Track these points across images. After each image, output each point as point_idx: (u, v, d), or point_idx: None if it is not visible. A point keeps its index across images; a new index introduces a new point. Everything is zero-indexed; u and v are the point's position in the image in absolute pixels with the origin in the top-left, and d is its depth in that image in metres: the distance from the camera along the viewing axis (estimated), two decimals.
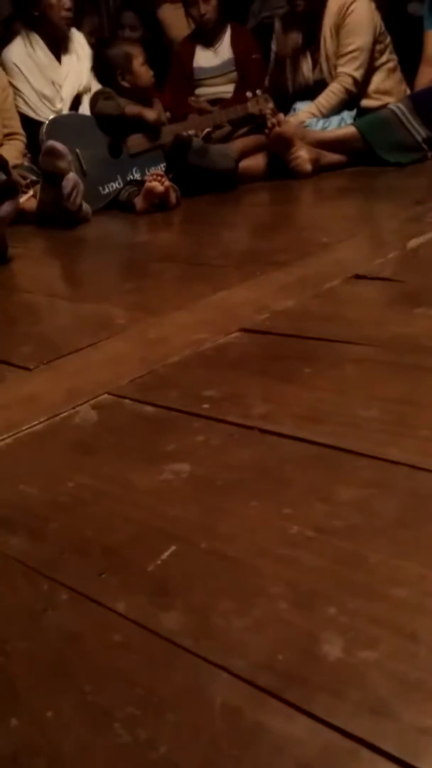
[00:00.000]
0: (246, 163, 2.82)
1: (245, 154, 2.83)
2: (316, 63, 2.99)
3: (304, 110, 2.95)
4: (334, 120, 2.90)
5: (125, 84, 2.72)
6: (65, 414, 0.90)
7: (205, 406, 0.87)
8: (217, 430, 0.80)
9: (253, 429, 0.79)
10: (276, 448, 0.75)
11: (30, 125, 2.80)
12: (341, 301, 1.21)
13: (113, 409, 0.90)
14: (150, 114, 2.65)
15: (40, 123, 2.69)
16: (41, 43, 2.88)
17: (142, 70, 2.73)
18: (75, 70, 2.92)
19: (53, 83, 2.90)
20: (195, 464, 0.74)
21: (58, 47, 2.91)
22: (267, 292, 1.31)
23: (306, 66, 3.01)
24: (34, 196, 2.45)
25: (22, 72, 2.88)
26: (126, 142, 2.69)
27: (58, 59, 2.91)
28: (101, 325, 1.25)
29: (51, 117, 2.70)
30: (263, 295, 1.28)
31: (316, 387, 0.88)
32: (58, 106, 2.89)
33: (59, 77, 2.91)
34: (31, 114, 2.88)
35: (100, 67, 2.80)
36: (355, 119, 2.87)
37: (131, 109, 2.64)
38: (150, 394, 0.93)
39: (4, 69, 2.88)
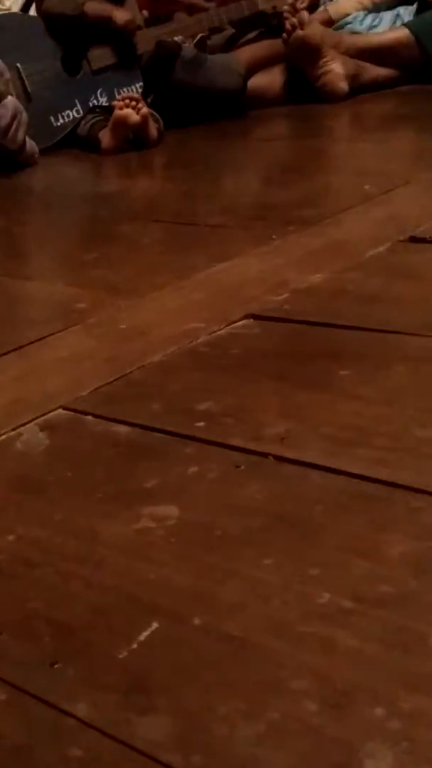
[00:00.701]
0: (256, 81, 2.83)
1: (255, 67, 2.84)
2: None
3: (339, 2, 2.96)
4: (387, 17, 2.91)
5: None
6: (2, 437, 0.90)
7: (200, 424, 0.87)
8: (217, 459, 0.80)
9: (266, 456, 0.79)
10: (299, 483, 0.75)
11: None
12: (391, 275, 1.21)
13: (71, 429, 0.90)
14: (120, 14, 2.66)
15: None
16: None
17: None
18: None
19: None
20: (185, 507, 0.74)
21: None
22: (286, 262, 1.31)
23: None
24: None
25: None
26: (87, 54, 2.70)
27: None
28: (53, 312, 1.25)
29: None
30: (280, 268, 1.29)
31: (356, 396, 0.88)
32: (7, 3, 2.90)
33: None
34: None
35: None
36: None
37: (93, 7, 2.65)
38: (122, 407, 0.93)
39: None
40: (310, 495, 0.73)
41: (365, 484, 0.73)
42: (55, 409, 0.94)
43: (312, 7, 2.94)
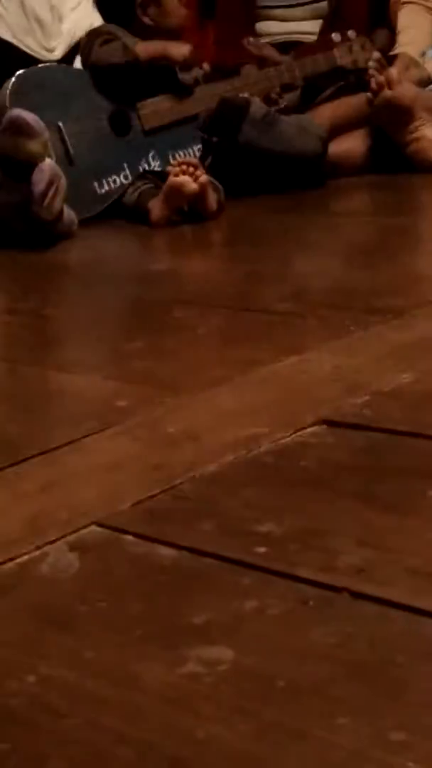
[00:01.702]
0: (336, 145, 2.88)
1: (335, 130, 2.89)
2: None
3: None
4: None
5: (146, 21, 2.82)
6: (25, 558, 0.90)
7: (261, 549, 0.86)
8: (280, 593, 0.80)
9: (340, 591, 0.79)
10: (379, 625, 0.74)
11: (5, 54, 2.86)
12: None
13: (106, 550, 0.90)
14: (177, 48, 2.72)
15: (23, 56, 2.78)
16: None
17: (173, 5, 2.83)
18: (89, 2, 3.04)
19: (52, 8, 3.00)
20: (241, 649, 0.73)
21: None
22: (366, 359, 1.32)
23: None
24: None
25: None
26: (138, 111, 2.78)
27: None
28: (89, 410, 1.26)
29: (20, 71, 2.79)
30: (360, 365, 1.29)
31: None
32: (52, 44, 3.00)
33: (63, 2, 3.01)
34: (8, 37, 2.95)
35: None
36: None
37: (146, 48, 2.71)
38: (167, 526, 0.93)
39: None
40: (392, 641, 0.72)
41: None
42: (88, 526, 0.94)
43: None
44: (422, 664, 0.69)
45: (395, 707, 0.65)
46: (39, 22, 2.98)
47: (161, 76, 2.76)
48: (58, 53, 2.98)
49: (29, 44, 2.94)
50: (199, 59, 2.83)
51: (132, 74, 2.73)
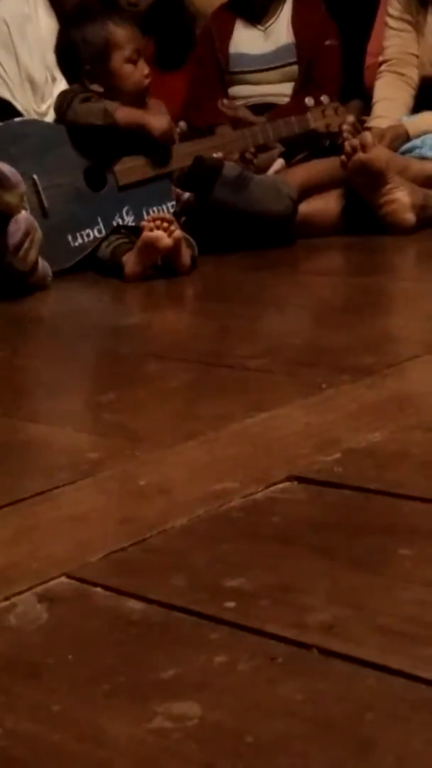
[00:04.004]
0: (309, 206, 2.90)
1: (308, 191, 2.92)
2: None
3: (419, 118, 3.05)
4: None
5: (94, 89, 2.80)
6: None
7: (230, 604, 0.86)
8: (249, 648, 0.79)
9: (310, 648, 0.78)
10: (348, 683, 0.74)
11: (5, 112, 2.91)
12: None
13: (75, 602, 0.89)
14: (157, 122, 2.74)
15: (20, 115, 2.82)
16: (47, 4, 3.05)
17: (125, 71, 2.82)
18: None
19: (48, 68, 3.03)
20: (209, 705, 0.72)
21: None
22: (337, 416, 1.32)
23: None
24: None
25: (10, 34, 3.02)
26: (113, 167, 2.79)
27: None
28: (59, 461, 1.26)
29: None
30: (331, 423, 1.30)
31: (419, 581, 0.87)
32: (43, 107, 3.02)
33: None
34: (7, 96, 3.01)
35: (64, 55, 2.91)
36: None
37: (126, 115, 2.73)
38: (137, 579, 0.92)
39: None
40: (361, 699, 0.72)
41: (430, 690, 0.72)
42: (57, 577, 0.93)
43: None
44: (390, 724, 0.69)
45: (363, 765, 0.65)
46: (31, 81, 3.02)
47: (139, 139, 2.76)
48: (48, 118, 3.01)
49: (25, 105, 2.97)
50: (174, 133, 2.81)
51: (110, 137, 2.74)
